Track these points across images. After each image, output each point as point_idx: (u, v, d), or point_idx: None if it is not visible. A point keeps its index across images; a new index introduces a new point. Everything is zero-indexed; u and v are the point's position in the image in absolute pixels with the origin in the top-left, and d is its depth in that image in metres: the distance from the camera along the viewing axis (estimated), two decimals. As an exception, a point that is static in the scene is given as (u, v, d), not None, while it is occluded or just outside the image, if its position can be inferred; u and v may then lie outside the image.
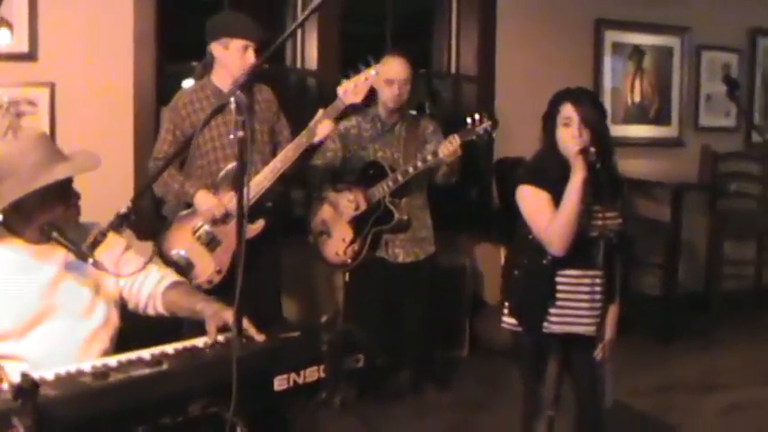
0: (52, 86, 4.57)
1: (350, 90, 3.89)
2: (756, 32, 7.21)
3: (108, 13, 4.71)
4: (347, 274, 4.61)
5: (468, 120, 4.26)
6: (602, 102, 3.31)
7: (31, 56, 4.54)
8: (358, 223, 4.45)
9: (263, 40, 3.89)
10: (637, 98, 6.66)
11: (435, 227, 4.72)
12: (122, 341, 2.65)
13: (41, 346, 2.41)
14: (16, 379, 1.82)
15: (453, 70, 6.11)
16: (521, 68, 6.01)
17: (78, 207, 2.53)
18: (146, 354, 2.24)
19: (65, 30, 4.62)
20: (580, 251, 3.06)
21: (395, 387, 4.79)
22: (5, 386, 1.97)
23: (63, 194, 2.45)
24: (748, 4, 7.03)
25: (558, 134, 3.06)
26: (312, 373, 2.20)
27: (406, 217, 4.50)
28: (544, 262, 3.07)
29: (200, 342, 2.36)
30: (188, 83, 4.34)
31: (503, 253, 5.62)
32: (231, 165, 3.88)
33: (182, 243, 3.92)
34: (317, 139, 3.89)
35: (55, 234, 2.36)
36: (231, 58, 3.91)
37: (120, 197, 4.42)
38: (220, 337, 2.36)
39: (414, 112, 4.89)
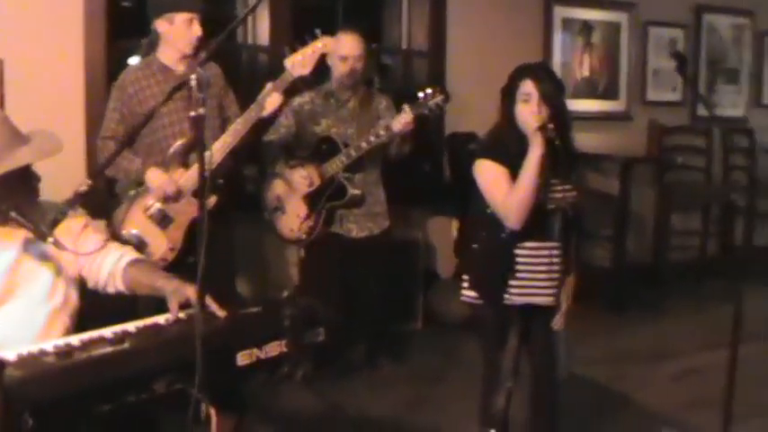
0: (0, 63, 4.48)
1: (297, 62, 3.86)
2: (702, 9, 7.34)
3: (58, -12, 4.63)
4: (302, 249, 4.62)
5: (420, 94, 4.27)
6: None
7: (-22, 32, 4.45)
8: (312, 199, 4.45)
9: (204, 11, 3.89)
10: (586, 73, 6.74)
11: (388, 201, 4.74)
12: (79, 321, 2.63)
13: (1, 328, 2.38)
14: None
15: (404, 45, 6.12)
16: (471, 44, 6.04)
17: (38, 189, 2.49)
18: (108, 332, 2.22)
19: (14, 5, 4.53)
20: (538, 224, 3.09)
21: (350, 361, 4.82)
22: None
23: (23, 178, 2.40)
24: (694, -20, 7.16)
25: (517, 109, 3.08)
26: (274, 348, 2.21)
27: (359, 192, 4.51)
28: (503, 235, 3.09)
29: (161, 319, 2.35)
30: (134, 60, 4.29)
31: (455, 226, 5.69)
32: (180, 141, 3.86)
33: (134, 222, 3.88)
34: (266, 113, 3.85)
35: (13, 214, 2.31)
36: (177, 33, 3.87)
37: (72, 174, 4.41)
38: (182, 314, 2.36)
39: (375, 88, 4.89)
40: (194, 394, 1.94)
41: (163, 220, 3.87)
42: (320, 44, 3.88)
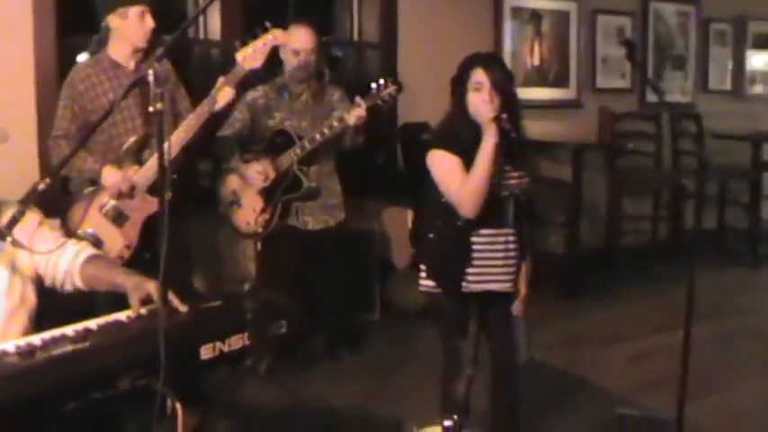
0: (-51, 60, 4.42)
1: (248, 56, 3.86)
2: (648, -3, 7.45)
3: (6, -17, 4.56)
4: (259, 243, 4.62)
5: (373, 85, 4.29)
6: (507, 66, 3.37)
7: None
8: (268, 192, 4.45)
9: (154, 4, 3.87)
10: (536, 62, 6.79)
11: (343, 193, 4.75)
12: (36, 320, 2.61)
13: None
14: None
15: (356, 37, 6.12)
16: (422, 35, 6.06)
17: None
18: (69, 330, 2.22)
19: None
20: (493, 211, 3.12)
21: (310, 353, 4.83)
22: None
23: None
24: (640, -31, 7.26)
25: (469, 98, 3.10)
26: (237, 341, 2.22)
27: (315, 184, 4.52)
28: (458, 224, 3.12)
29: (123, 316, 2.35)
30: (82, 57, 4.24)
31: (410, 217, 5.72)
32: (133, 138, 3.84)
33: (89, 221, 3.86)
34: (218, 107, 3.84)
35: None
36: (131, 27, 3.84)
37: (25, 172, 4.36)
38: (143, 310, 2.35)
39: (325, 80, 4.89)
40: (159, 389, 1.94)
41: (118, 218, 3.85)
42: (271, 37, 3.87)
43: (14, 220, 2.23)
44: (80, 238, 3.68)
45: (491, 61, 3.17)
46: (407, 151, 5.92)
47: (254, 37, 3.87)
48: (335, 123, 4.29)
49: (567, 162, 6.40)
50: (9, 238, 2.24)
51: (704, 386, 4.18)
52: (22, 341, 2.18)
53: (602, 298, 6.26)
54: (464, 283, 3.17)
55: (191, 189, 4.52)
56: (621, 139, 7.05)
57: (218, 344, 2.18)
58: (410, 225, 5.65)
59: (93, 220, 3.85)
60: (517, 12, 6.62)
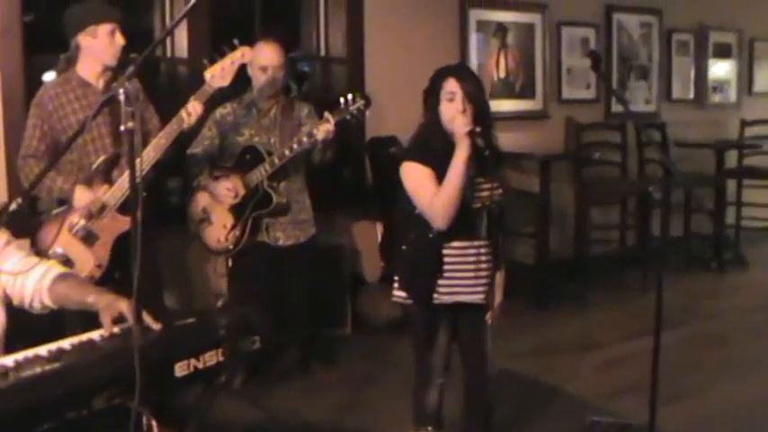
0: None
1: (217, 74, 3.87)
2: (611, 8, 7.57)
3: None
4: (230, 259, 4.62)
5: (342, 100, 4.30)
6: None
7: None
8: (238, 209, 4.45)
9: (123, 21, 3.88)
10: (502, 74, 6.86)
11: (312, 208, 4.76)
12: (5, 341, 2.60)
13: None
14: None
15: (323, 52, 6.15)
16: (389, 49, 6.09)
17: None
18: (43, 351, 2.21)
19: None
20: (465, 223, 3.14)
21: (282, 368, 4.84)
22: None
23: None
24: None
25: (442, 108, 3.12)
26: (211, 357, 2.24)
27: (285, 200, 4.52)
28: (431, 235, 3.13)
29: (96, 335, 2.35)
30: (49, 76, 4.23)
31: (379, 230, 5.74)
32: (102, 157, 3.83)
33: (59, 241, 3.83)
34: (186, 125, 3.85)
35: None
36: (101, 45, 3.85)
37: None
38: (116, 329, 2.35)
39: (291, 95, 4.90)
40: (134, 408, 1.94)
41: (88, 238, 3.83)
42: (239, 54, 3.89)
43: (-15, 241, 2.23)
44: (50, 258, 3.68)
45: (463, 72, 3.22)
46: (375, 165, 5.95)
47: (223, 55, 3.88)
48: (304, 139, 4.30)
49: (534, 173, 6.46)
50: (-20, 260, 2.24)
51: (674, 391, 4.23)
52: (-6, 363, 2.17)
53: (571, 306, 6.31)
54: (435, 295, 3.18)
55: (160, 206, 4.51)
56: (588, 149, 7.13)
57: (193, 360, 2.19)
58: (380, 238, 5.72)
59: (63, 239, 3.83)
60: (483, 24, 6.68)
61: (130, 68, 2.20)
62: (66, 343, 2.28)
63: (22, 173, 3.91)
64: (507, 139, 6.25)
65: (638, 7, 7.75)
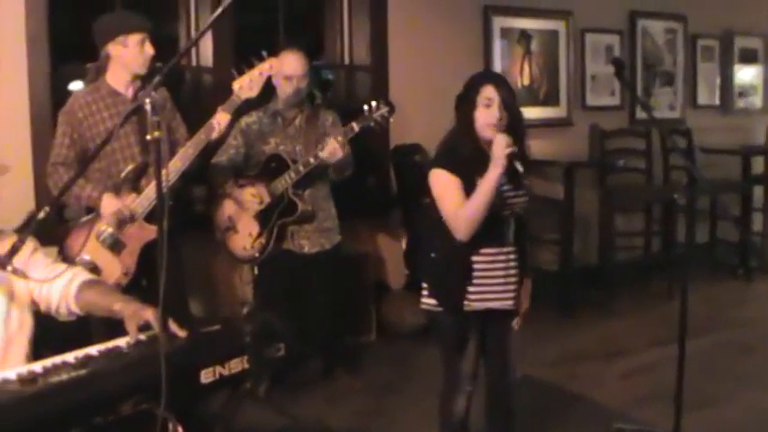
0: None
1: (245, 85, 3.90)
2: (635, 15, 7.53)
3: (-2, 13, 4.60)
4: (256, 267, 4.64)
5: (366, 107, 4.32)
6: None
7: None
8: (263, 217, 4.48)
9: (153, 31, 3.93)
10: (526, 81, 6.85)
11: (337, 216, 4.78)
12: (32, 347, 2.64)
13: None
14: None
15: (347, 60, 6.18)
16: (413, 57, 6.11)
17: None
18: (70, 357, 2.24)
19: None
20: (494, 229, 3.14)
21: (306, 375, 4.85)
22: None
23: None
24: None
25: (477, 114, 3.12)
26: (236, 365, 2.26)
27: (310, 208, 4.55)
28: (458, 243, 3.13)
29: (122, 342, 2.37)
30: (76, 85, 4.27)
31: (404, 237, 5.75)
32: (131, 166, 3.88)
33: (86, 248, 3.89)
34: (214, 135, 3.89)
35: None
36: (131, 55, 3.89)
37: (21, 200, 4.38)
38: (142, 336, 2.38)
39: (316, 103, 4.92)
40: (160, 414, 1.97)
41: (115, 246, 3.87)
42: (267, 66, 3.93)
43: (15, 250, 2.26)
44: (77, 265, 3.73)
45: (500, 79, 3.23)
46: (400, 172, 5.96)
47: (250, 66, 3.92)
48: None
49: (558, 180, 6.44)
50: (9, 267, 2.28)
51: (699, 399, 4.20)
52: (24, 368, 2.21)
53: (596, 314, 6.29)
54: (465, 302, 3.19)
55: (185, 214, 4.55)
56: (612, 155, 7.11)
57: (218, 367, 2.21)
58: (404, 246, 5.73)
59: (91, 247, 3.88)
60: (506, 32, 6.68)
61: (157, 78, 2.23)
62: (93, 350, 2.31)
63: (51, 180, 3.95)
64: (532, 147, 6.29)
65: (662, 13, 7.72)
